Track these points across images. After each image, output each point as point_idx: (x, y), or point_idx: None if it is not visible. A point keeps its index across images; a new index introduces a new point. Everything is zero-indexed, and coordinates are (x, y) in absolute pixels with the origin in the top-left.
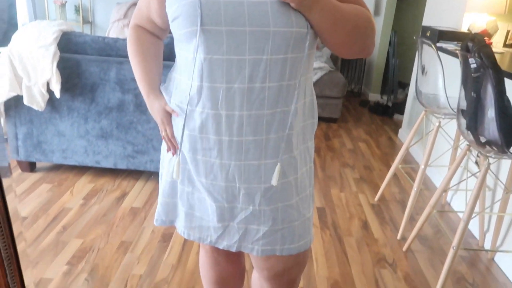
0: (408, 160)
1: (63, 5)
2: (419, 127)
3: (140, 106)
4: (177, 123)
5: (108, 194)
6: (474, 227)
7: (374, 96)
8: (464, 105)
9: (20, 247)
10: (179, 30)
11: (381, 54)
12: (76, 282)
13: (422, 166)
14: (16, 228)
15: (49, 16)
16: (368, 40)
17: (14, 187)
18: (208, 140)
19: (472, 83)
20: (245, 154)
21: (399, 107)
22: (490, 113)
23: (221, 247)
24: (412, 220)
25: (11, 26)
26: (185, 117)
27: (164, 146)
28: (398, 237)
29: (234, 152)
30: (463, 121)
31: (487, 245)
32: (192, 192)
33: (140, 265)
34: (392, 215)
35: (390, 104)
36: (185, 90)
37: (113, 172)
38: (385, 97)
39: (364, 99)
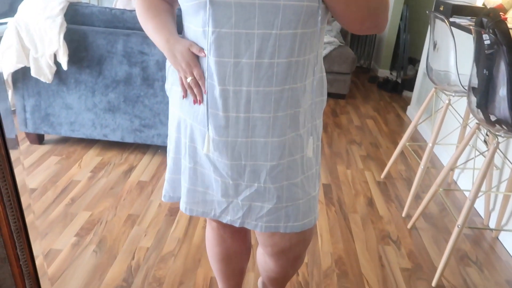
0: (416, 138)
1: None
2: (428, 104)
3: (147, 80)
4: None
5: (115, 168)
6: (479, 205)
7: (383, 72)
8: (475, 82)
9: (28, 219)
10: (186, 2)
11: (392, 29)
12: (85, 253)
13: (430, 144)
14: (24, 200)
15: None
16: (380, 16)
17: (22, 160)
18: (216, 116)
19: (485, 60)
20: (252, 131)
21: (409, 84)
22: (502, 91)
23: (224, 221)
24: (417, 198)
25: None
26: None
27: (171, 121)
28: (403, 214)
29: (241, 129)
30: (474, 99)
31: (492, 224)
32: (194, 167)
33: (147, 238)
34: (397, 192)
35: (399, 80)
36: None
37: (121, 146)
38: (394, 73)
39: (373, 75)
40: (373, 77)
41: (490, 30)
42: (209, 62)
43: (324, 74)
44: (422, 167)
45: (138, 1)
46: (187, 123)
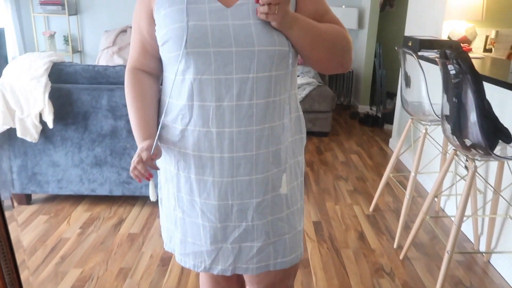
0: (400, 168)
1: (52, 36)
2: (407, 135)
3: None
4: (170, 141)
5: (105, 222)
6: (468, 230)
7: (363, 108)
8: (447, 110)
9: (23, 275)
10: (168, 54)
11: (368, 66)
12: None
13: (412, 174)
14: (19, 256)
15: (39, 48)
16: (345, 55)
17: (15, 216)
18: (201, 158)
19: (452, 89)
20: (237, 170)
21: (389, 117)
22: (472, 117)
23: (215, 272)
24: (407, 228)
25: (1, 59)
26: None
27: (161, 173)
28: (395, 246)
29: (226, 169)
30: (448, 126)
31: (482, 248)
32: (183, 218)
33: None
34: (387, 224)
35: (379, 114)
36: (175, 111)
37: (109, 199)
38: (374, 108)
39: (354, 111)
40: (354, 113)
41: (454, 61)
42: (193, 107)
43: (301, 113)
44: (407, 196)
45: (126, 80)
46: (172, 173)
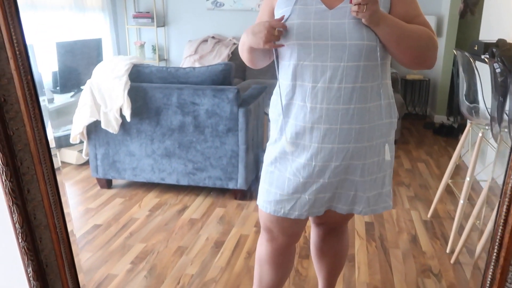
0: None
1: (142, 46)
2: (466, 139)
3: (199, 127)
4: (276, 113)
5: (171, 207)
6: None
7: (440, 118)
8: (494, 111)
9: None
10: (283, 43)
11: (445, 75)
12: (137, 278)
13: (467, 179)
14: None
15: (130, 55)
16: (428, 53)
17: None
18: (296, 126)
19: (499, 88)
20: (322, 139)
21: (465, 127)
22: None
23: (292, 217)
24: (462, 233)
25: (99, 63)
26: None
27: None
28: (447, 250)
29: (314, 136)
30: (496, 127)
31: None
32: (273, 171)
33: (193, 266)
34: (444, 231)
35: (455, 125)
36: (285, 88)
37: (177, 189)
38: (451, 119)
39: (429, 121)
40: (428, 123)
41: (499, 59)
42: (296, 85)
43: (393, 100)
44: (461, 201)
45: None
46: (275, 137)
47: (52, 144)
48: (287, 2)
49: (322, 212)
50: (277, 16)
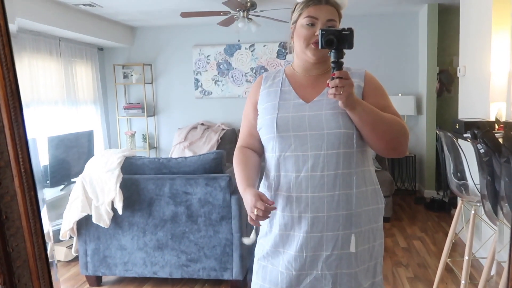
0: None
1: (132, 135)
2: (459, 216)
3: (192, 217)
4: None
5: None
6: None
7: (429, 193)
8: (484, 189)
9: None
10: (263, 136)
11: (430, 151)
12: None
13: (466, 257)
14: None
15: (121, 145)
16: (401, 139)
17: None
18: (284, 217)
19: (485, 167)
20: (310, 228)
21: (456, 201)
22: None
23: None
24: None
25: (89, 156)
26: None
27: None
28: None
29: (302, 226)
30: (488, 204)
31: None
32: (265, 265)
33: None
34: None
35: (446, 199)
36: (271, 179)
37: (170, 282)
38: (441, 193)
39: (419, 196)
40: (419, 198)
41: (481, 140)
42: (280, 175)
43: (378, 186)
44: (463, 281)
45: (235, 152)
46: (265, 230)
47: (51, 258)
48: (268, 98)
49: None
50: (259, 110)
